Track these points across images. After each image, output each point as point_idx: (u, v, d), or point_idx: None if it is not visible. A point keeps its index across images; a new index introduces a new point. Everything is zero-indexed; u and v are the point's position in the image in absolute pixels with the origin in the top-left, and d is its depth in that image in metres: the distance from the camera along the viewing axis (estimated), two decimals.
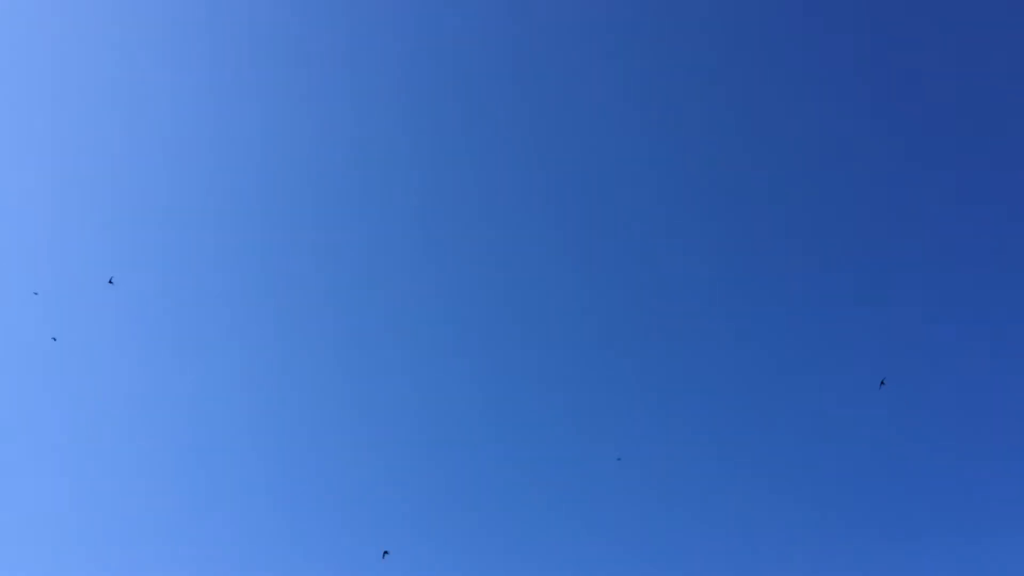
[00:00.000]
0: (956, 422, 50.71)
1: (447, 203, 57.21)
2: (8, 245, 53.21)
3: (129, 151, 53.97)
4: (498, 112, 56.44)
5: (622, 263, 56.12)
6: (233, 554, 51.59)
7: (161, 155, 54.13)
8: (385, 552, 44.43)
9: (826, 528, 50.57)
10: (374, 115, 56.17)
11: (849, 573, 48.35)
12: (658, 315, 55.94)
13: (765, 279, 54.56)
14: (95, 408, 53.73)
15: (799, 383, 54.01)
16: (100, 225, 54.62)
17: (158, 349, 54.62)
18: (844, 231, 53.38)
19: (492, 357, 56.89)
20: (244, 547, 51.85)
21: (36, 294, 41.92)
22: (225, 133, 54.77)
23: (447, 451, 54.93)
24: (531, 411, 55.88)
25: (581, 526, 52.80)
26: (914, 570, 47.83)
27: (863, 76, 52.02)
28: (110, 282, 42.15)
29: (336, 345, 56.77)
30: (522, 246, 57.18)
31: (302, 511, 52.87)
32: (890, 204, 52.43)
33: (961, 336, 51.08)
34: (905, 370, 52.15)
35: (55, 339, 42.83)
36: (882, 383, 44.94)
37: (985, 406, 50.06)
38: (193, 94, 53.64)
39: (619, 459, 45.52)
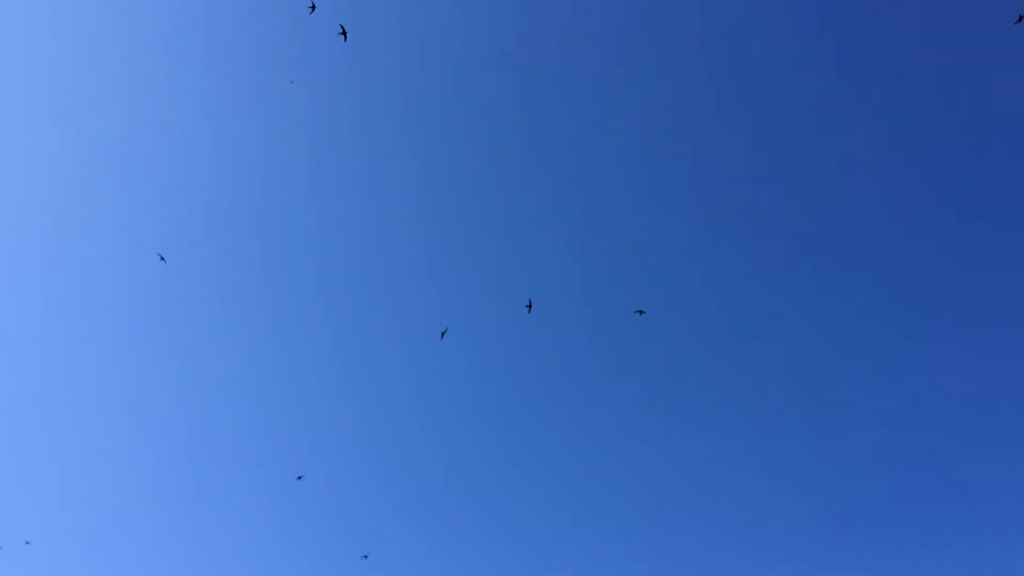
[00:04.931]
0: (957, 422, 50.77)
1: (446, 202, 57.15)
2: (7, 245, 53.36)
3: (127, 150, 54.01)
4: (498, 111, 56.33)
5: (622, 262, 56.10)
6: (232, 554, 51.89)
7: (159, 155, 54.11)
8: (365, 556, 44.82)
9: (826, 528, 50.70)
10: (373, 113, 56.10)
11: (848, 573, 48.53)
12: (658, 314, 55.95)
13: (765, 278, 54.54)
14: (92, 408, 54.00)
15: (799, 382, 54.07)
16: (98, 224, 54.75)
17: (157, 349, 54.80)
18: (846, 231, 53.29)
19: (491, 356, 56.97)
20: (243, 547, 52.12)
21: None
22: (224, 132, 54.69)
23: (446, 450, 55.11)
24: (530, 410, 56.03)
25: (581, 526, 53.04)
26: (913, 570, 47.96)
27: (865, 74, 51.81)
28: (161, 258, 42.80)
29: (334, 345, 56.91)
30: (522, 245, 57.18)
31: (301, 511, 53.13)
32: (892, 203, 52.35)
33: (963, 335, 51.09)
34: (906, 369, 52.19)
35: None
36: (640, 312, 44.49)
37: (986, 407, 50.11)
38: (191, 93, 53.58)
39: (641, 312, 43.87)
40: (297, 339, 56.39)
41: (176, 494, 53.04)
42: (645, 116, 55.34)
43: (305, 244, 56.77)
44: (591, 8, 52.57)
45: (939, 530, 48.77)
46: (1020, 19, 36.52)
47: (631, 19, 52.37)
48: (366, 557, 44.52)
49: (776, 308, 54.46)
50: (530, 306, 42.87)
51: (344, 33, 34.93)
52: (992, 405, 50.03)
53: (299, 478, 44.91)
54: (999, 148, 49.61)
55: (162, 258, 41.62)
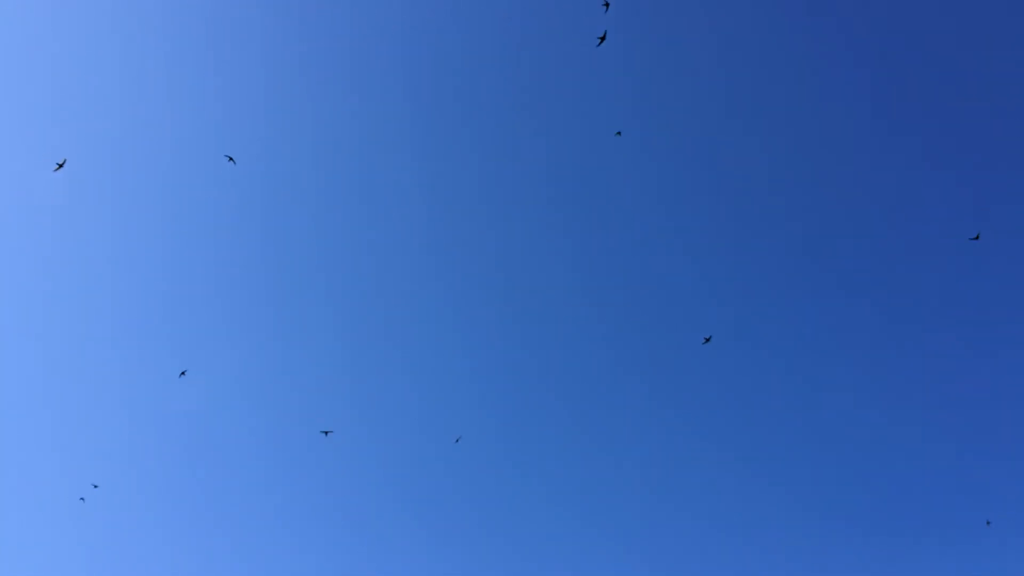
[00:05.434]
0: (957, 422, 50.84)
1: (448, 202, 57.16)
2: (8, 245, 53.31)
3: (128, 150, 53.98)
4: (498, 110, 56.35)
5: (623, 262, 56.13)
6: (232, 555, 51.85)
7: (159, 155, 54.09)
8: (327, 431, 44.40)
9: (826, 528, 50.73)
10: (373, 113, 56.10)
11: (849, 573, 48.54)
12: (658, 313, 55.99)
13: (766, 278, 54.60)
14: (94, 408, 53.94)
15: (800, 382, 54.12)
16: (101, 225, 54.72)
17: (158, 349, 54.74)
18: (848, 230, 53.37)
19: (491, 356, 56.97)
20: (243, 548, 52.09)
21: None
22: (225, 132, 54.65)
23: (447, 451, 55.08)
24: (531, 410, 56.02)
25: (581, 526, 53.02)
26: (914, 570, 47.98)
27: (865, 73, 51.92)
28: None
29: (336, 345, 56.88)
30: (523, 245, 57.19)
31: (303, 512, 53.13)
32: (895, 203, 52.44)
33: (963, 335, 51.17)
34: (907, 369, 52.27)
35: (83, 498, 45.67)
36: (706, 340, 44.30)
37: (986, 406, 50.18)
38: (192, 93, 53.57)
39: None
40: (298, 339, 56.47)
41: (179, 494, 53.07)
42: (646, 118, 55.48)
43: (306, 244, 56.90)
44: (593, 7, 52.65)
45: (939, 530, 48.87)
46: None
47: (633, 18, 52.47)
48: (327, 433, 44.24)
49: (775, 308, 54.58)
50: (708, 339, 43.15)
51: (607, 4, 33.86)
52: (992, 404, 50.19)
53: (182, 374, 44.64)
54: (999, 148, 49.79)
55: (231, 159, 40.78)
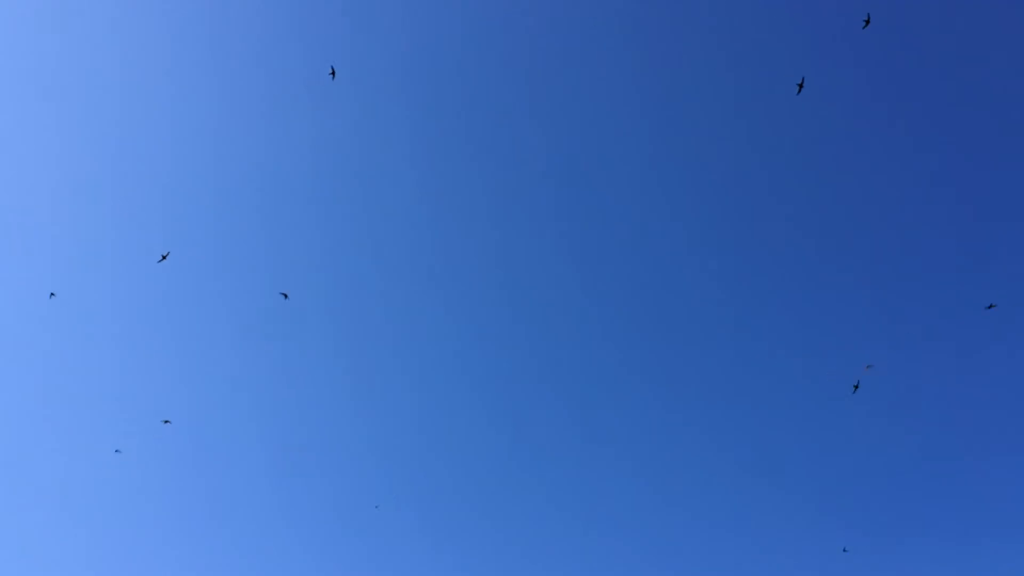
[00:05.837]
0: (957, 422, 50.85)
1: (446, 202, 57.10)
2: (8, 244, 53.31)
3: (128, 150, 53.95)
4: (498, 110, 56.29)
5: (623, 261, 56.11)
6: (233, 555, 51.93)
7: (160, 155, 54.06)
8: (284, 295, 44.71)
9: (826, 528, 50.76)
10: (374, 114, 56.05)
11: (849, 573, 48.58)
12: (659, 313, 55.97)
13: (768, 277, 54.58)
14: (96, 408, 53.96)
15: (800, 381, 54.12)
16: (99, 225, 54.71)
17: (158, 350, 54.78)
18: (849, 229, 53.35)
19: (492, 356, 56.98)
20: (244, 549, 52.17)
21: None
22: (224, 132, 54.61)
23: (448, 451, 55.14)
24: (531, 410, 56.05)
25: (581, 525, 53.10)
26: (914, 570, 48.03)
27: (867, 72, 51.86)
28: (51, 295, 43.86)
29: (336, 345, 56.90)
30: (523, 245, 57.17)
31: (303, 513, 53.20)
32: (896, 202, 52.42)
33: (965, 336, 51.14)
34: (908, 369, 52.25)
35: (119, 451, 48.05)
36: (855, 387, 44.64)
37: (987, 406, 50.20)
38: (192, 93, 53.53)
39: None
40: (298, 338, 56.48)
41: (179, 494, 53.18)
42: (646, 118, 55.42)
43: (305, 244, 56.90)
44: (594, 7, 52.61)
45: (939, 530, 48.91)
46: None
47: (634, 19, 52.40)
48: (285, 295, 44.63)
49: (776, 308, 54.57)
50: (856, 384, 43.35)
51: (867, 21, 34.64)
52: (993, 405, 50.21)
53: (52, 295, 45.13)
54: (998, 149, 49.75)
55: (333, 70, 40.13)
